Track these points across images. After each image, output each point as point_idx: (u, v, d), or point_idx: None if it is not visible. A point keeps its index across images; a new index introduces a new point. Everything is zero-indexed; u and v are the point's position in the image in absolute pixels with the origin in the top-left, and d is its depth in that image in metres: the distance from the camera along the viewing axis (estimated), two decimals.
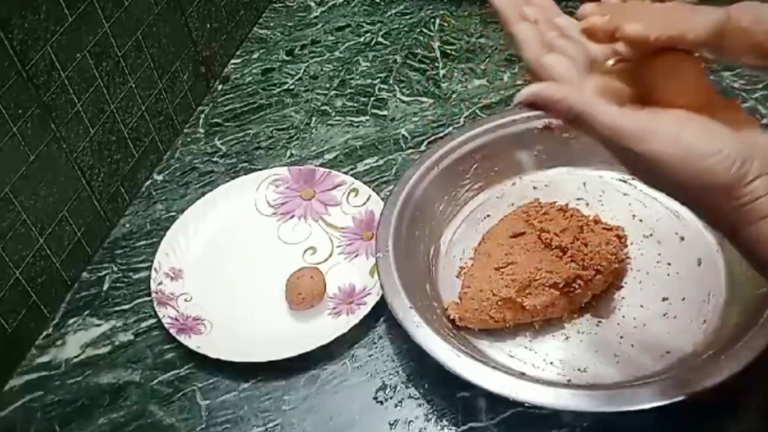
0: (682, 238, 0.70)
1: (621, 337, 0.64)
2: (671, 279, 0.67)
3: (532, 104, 0.44)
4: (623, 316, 0.65)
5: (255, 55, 1.01)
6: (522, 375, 0.59)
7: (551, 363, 0.63)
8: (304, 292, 0.68)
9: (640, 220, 0.71)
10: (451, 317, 0.65)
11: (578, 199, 0.74)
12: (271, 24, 1.06)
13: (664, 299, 0.65)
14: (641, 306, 0.66)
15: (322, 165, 0.83)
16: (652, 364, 0.61)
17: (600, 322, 0.65)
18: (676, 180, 0.42)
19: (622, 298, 0.67)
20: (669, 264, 0.68)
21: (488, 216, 0.74)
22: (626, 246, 0.68)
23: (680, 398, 0.54)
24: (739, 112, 0.46)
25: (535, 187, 0.76)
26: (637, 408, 0.54)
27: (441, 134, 0.85)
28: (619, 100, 0.45)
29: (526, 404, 0.56)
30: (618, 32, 0.43)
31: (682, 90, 0.44)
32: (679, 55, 0.44)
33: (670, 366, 0.60)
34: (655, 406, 0.54)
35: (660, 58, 0.45)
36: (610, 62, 0.47)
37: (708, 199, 0.42)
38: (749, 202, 0.41)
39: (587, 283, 0.64)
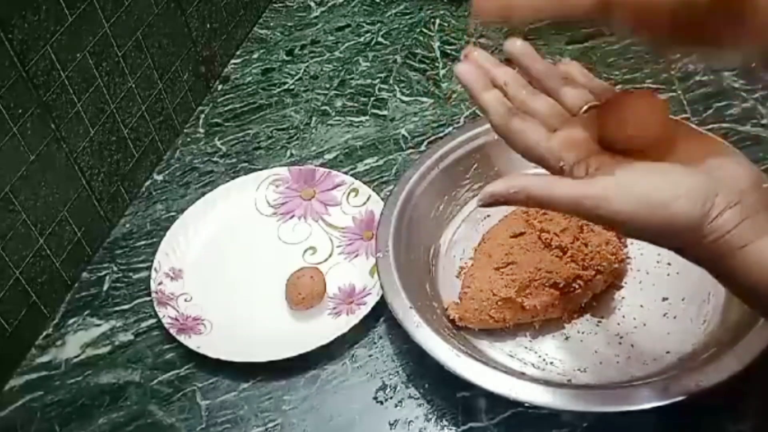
0: None
1: (621, 337, 0.64)
2: (671, 279, 0.67)
3: (493, 203, 0.45)
4: (623, 316, 0.65)
5: (255, 55, 1.01)
6: (522, 375, 0.59)
7: (551, 363, 0.63)
8: (304, 292, 0.68)
9: None
10: (451, 317, 0.65)
11: None
12: (271, 24, 1.06)
13: (664, 299, 0.65)
14: (641, 306, 0.66)
15: (322, 165, 0.83)
16: (652, 364, 0.61)
17: (600, 322, 0.65)
18: (643, 229, 0.43)
19: (622, 298, 0.67)
20: (669, 264, 0.68)
21: (488, 216, 0.74)
22: (626, 246, 0.68)
23: (680, 398, 0.54)
24: (706, 138, 0.48)
25: None
26: (637, 408, 0.54)
27: (441, 134, 0.85)
28: (587, 151, 0.46)
29: (526, 404, 0.56)
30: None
31: (645, 127, 0.45)
32: (640, 94, 0.46)
33: (670, 366, 0.60)
34: (655, 406, 0.54)
35: (623, 98, 0.46)
36: (584, 109, 0.49)
37: (680, 241, 0.43)
38: (720, 237, 0.42)
39: (587, 283, 0.64)
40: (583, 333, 0.65)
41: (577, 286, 0.64)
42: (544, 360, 0.63)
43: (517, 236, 0.67)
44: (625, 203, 0.42)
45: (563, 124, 0.48)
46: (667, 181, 0.42)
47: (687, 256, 0.44)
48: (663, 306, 0.65)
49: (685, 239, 0.42)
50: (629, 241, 0.68)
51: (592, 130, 0.47)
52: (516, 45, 0.51)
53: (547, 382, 0.58)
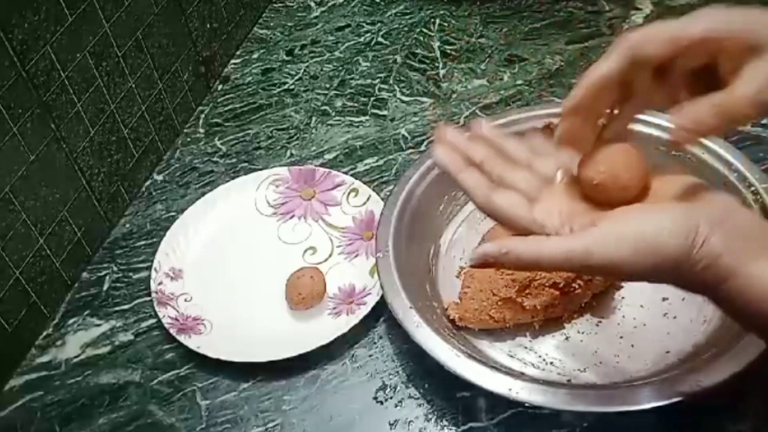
0: None
1: (621, 337, 0.64)
2: None
3: (485, 264, 0.47)
4: (623, 316, 0.65)
5: (255, 55, 1.01)
6: (522, 375, 0.59)
7: (551, 363, 0.63)
8: (304, 292, 0.68)
9: None
10: (451, 317, 0.64)
11: None
12: (271, 24, 1.06)
13: (664, 299, 0.65)
14: (641, 306, 0.66)
15: (322, 165, 0.83)
16: (652, 364, 0.61)
17: (600, 322, 0.65)
18: (636, 271, 0.44)
19: (622, 298, 0.66)
20: None
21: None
22: None
23: (680, 398, 0.54)
24: (676, 177, 0.49)
25: None
26: (637, 408, 0.54)
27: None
28: (568, 215, 0.47)
29: (526, 404, 0.56)
30: None
31: (624, 178, 0.47)
32: (617, 147, 0.48)
33: (670, 366, 0.60)
34: (655, 406, 0.54)
35: (601, 151, 0.48)
36: (559, 177, 0.50)
37: (672, 274, 0.44)
38: (711, 263, 0.42)
39: (587, 283, 0.64)
40: (583, 333, 0.65)
41: (577, 286, 0.63)
42: (544, 360, 0.63)
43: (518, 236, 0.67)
44: (612, 250, 0.43)
45: (542, 192, 0.49)
46: (649, 222, 0.43)
47: (684, 287, 0.45)
48: (663, 306, 0.65)
49: (678, 271, 0.43)
50: None
51: (570, 193, 0.49)
52: (482, 129, 0.52)
53: (547, 382, 0.58)
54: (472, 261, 0.47)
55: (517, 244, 0.46)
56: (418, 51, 0.98)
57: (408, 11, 1.05)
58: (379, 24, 1.04)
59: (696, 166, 0.70)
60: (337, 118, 0.91)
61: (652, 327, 0.64)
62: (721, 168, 0.68)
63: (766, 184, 0.66)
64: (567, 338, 0.64)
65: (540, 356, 0.63)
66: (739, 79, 0.44)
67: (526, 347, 0.64)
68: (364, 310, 0.67)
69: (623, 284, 0.67)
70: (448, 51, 0.98)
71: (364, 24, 1.04)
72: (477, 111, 0.88)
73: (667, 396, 0.54)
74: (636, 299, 0.66)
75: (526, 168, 0.50)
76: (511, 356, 0.63)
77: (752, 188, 0.66)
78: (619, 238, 0.43)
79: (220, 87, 0.97)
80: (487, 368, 0.57)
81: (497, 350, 0.64)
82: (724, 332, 0.60)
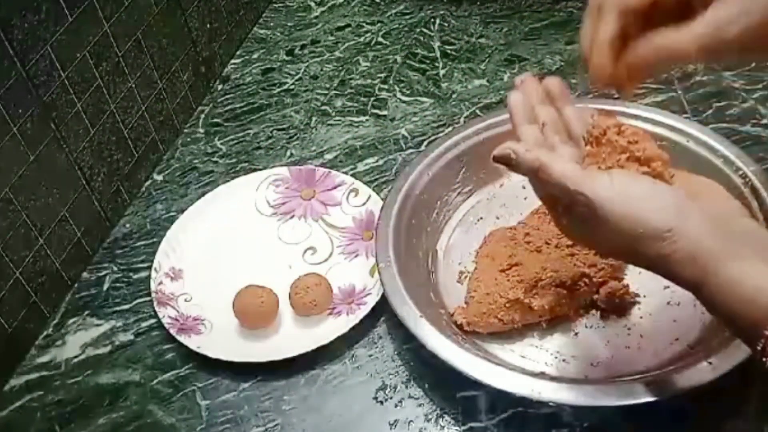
0: None
1: (629, 328, 0.64)
2: None
3: (505, 159, 0.50)
4: (628, 308, 0.65)
5: (255, 55, 1.01)
6: (542, 374, 0.59)
7: (564, 360, 0.62)
8: (317, 299, 0.68)
9: None
10: (459, 322, 0.64)
11: None
12: (271, 24, 1.06)
13: (666, 287, 0.64)
14: (644, 296, 0.65)
15: (322, 165, 0.83)
16: (663, 353, 0.61)
17: (606, 316, 0.65)
18: (615, 225, 0.46)
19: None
20: None
21: (481, 219, 0.74)
22: None
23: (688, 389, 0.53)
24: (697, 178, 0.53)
25: (524, 187, 0.74)
26: (662, 398, 0.53)
27: (441, 134, 0.85)
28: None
29: (551, 403, 0.56)
30: None
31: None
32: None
33: (682, 353, 0.60)
34: (665, 398, 0.53)
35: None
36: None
37: (651, 252, 0.45)
38: (688, 255, 0.44)
39: (592, 280, 0.64)
40: (590, 328, 0.65)
41: (583, 284, 0.64)
42: (556, 358, 0.63)
43: (520, 237, 0.67)
44: (603, 188, 0.46)
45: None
46: (644, 183, 0.48)
47: (666, 276, 0.47)
48: (666, 294, 0.65)
49: (657, 251, 0.45)
50: None
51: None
52: (554, 85, 0.56)
53: (569, 380, 0.58)
54: (497, 152, 0.50)
55: (540, 151, 0.49)
56: (418, 51, 0.98)
57: (408, 11, 1.05)
58: (379, 24, 1.04)
59: (693, 163, 0.69)
60: (337, 118, 0.90)
61: (658, 316, 0.64)
62: (707, 154, 0.69)
63: (753, 166, 0.66)
64: (576, 334, 0.64)
65: (552, 354, 0.63)
66: (694, 21, 0.47)
67: (536, 347, 0.64)
68: (364, 310, 0.67)
69: (624, 275, 0.66)
70: (448, 51, 0.98)
71: (364, 24, 1.04)
72: (477, 111, 0.88)
73: (688, 384, 0.54)
74: (639, 290, 0.66)
75: (576, 143, 0.54)
76: (524, 357, 0.63)
77: (740, 172, 0.67)
78: (611, 183, 0.46)
79: (220, 87, 0.97)
80: (507, 370, 0.57)
81: (508, 352, 0.63)
82: None
